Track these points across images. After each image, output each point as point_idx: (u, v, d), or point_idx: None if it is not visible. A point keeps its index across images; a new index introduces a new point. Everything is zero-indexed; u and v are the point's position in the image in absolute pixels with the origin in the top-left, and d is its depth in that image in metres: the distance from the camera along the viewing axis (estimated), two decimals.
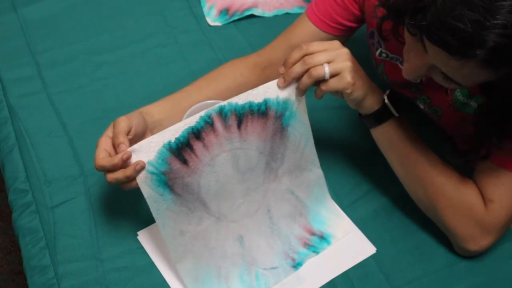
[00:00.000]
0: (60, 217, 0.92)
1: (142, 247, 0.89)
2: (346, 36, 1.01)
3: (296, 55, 0.81)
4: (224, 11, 1.28)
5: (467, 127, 0.89)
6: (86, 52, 1.18)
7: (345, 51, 0.80)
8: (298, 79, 0.82)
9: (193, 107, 0.89)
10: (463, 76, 0.70)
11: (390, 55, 0.97)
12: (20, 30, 1.21)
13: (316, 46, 0.81)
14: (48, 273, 0.86)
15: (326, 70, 0.79)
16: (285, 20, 1.22)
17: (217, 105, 0.80)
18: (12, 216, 0.94)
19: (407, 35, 0.74)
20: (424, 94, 0.96)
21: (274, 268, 0.87)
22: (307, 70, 0.80)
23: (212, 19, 1.27)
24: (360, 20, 0.98)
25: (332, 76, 0.80)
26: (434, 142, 0.91)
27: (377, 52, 0.98)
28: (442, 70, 0.71)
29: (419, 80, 0.94)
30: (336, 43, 0.81)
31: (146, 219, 0.90)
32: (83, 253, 0.88)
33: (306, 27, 0.99)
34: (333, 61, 0.79)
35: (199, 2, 1.31)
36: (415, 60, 0.75)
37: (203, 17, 1.28)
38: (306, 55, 0.80)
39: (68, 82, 1.12)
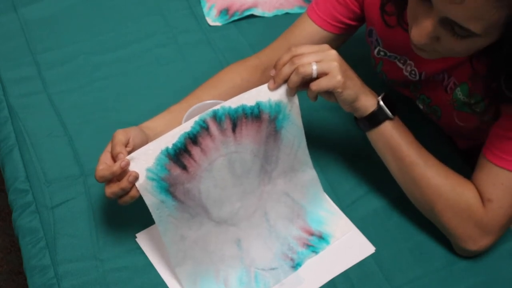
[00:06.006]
0: (60, 217, 0.92)
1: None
2: (347, 35, 1.01)
3: (285, 57, 0.82)
4: (224, 11, 1.28)
5: (468, 124, 0.89)
6: (86, 52, 1.18)
7: (333, 52, 0.81)
8: (287, 80, 0.82)
9: (193, 107, 0.89)
10: (469, 13, 0.67)
11: (388, 53, 0.97)
12: (20, 30, 1.21)
13: (305, 48, 0.82)
14: (48, 273, 0.86)
15: (314, 67, 0.80)
16: (285, 20, 1.22)
17: (210, 110, 0.80)
18: (12, 216, 0.94)
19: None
20: (423, 93, 0.96)
21: (273, 268, 0.87)
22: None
23: (212, 19, 1.27)
24: (361, 18, 0.98)
25: (321, 75, 0.80)
26: (434, 142, 0.91)
27: (376, 51, 0.99)
28: (449, 15, 0.69)
29: (417, 78, 0.94)
30: (325, 46, 0.83)
31: (146, 220, 0.90)
32: (83, 253, 0.88)
33: (307, 27, 0.99)
34: (321, 61, 0.80)
35: (199, 2, 1.31)
36: (422, 21, 0.74)
37: (203, 17, 1.28)
38: (295, 56, 0.81)
39: (68, 82, 1.12)
